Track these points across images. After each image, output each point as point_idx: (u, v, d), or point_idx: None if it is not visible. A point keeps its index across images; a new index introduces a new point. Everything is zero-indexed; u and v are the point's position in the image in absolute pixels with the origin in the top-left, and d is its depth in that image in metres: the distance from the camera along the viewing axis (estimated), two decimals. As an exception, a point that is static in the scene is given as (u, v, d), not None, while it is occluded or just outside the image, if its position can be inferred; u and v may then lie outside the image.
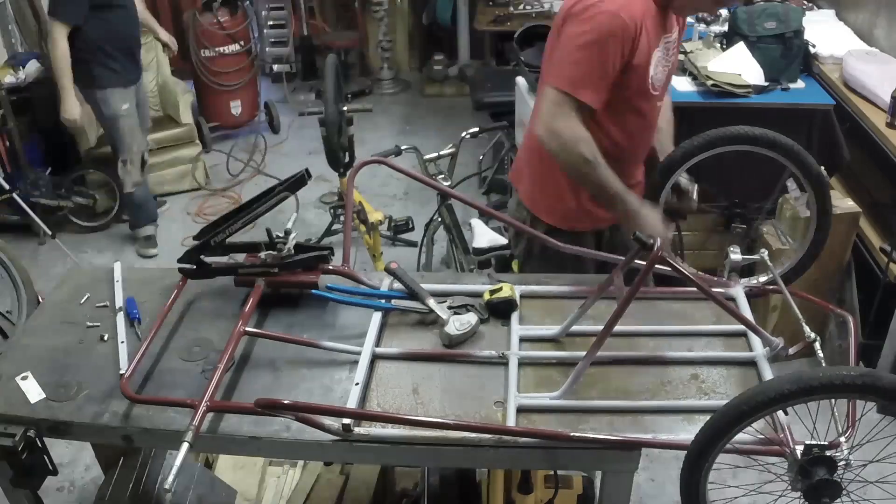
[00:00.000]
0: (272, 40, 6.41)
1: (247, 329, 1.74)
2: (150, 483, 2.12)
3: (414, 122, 5.84)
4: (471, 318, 1.80)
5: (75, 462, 2.86)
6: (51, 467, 1.65)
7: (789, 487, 1.43)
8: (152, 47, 4.95)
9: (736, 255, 1.87)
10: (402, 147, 3.32)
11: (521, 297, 1.91)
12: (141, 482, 2.10)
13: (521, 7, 5.48)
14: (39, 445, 1.61)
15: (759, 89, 3.25)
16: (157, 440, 1.64)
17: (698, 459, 1.40)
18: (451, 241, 3.34)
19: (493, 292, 1.87)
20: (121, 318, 1.87)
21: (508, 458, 1.56)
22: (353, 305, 1.88)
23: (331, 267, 1.91)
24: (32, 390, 1.66)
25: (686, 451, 1.42)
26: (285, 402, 1.48)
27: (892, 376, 1.31)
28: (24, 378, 1.69)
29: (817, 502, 1.39)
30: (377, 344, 1.77)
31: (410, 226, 3.58)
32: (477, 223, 3.02)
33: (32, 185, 4.27)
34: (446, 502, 2.18)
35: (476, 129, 3.31)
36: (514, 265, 2.49)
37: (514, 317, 1.85)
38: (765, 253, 1.92)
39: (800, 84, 3.36)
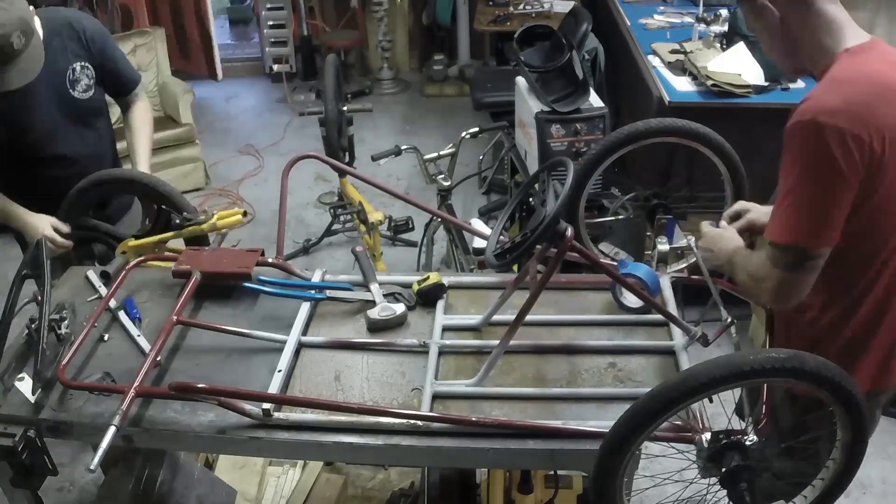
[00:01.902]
0: (272, 40, 6.42)
1: (180, 319, 1.79)
2: (150, 483, 2.12)
3: (414, 122, 5.84)
4: (395, 307, 1.86)
5: (75, 462, 2.86)
6: (51, 467, 1.65)
7: (699, 476, 1.42)
8: (152, 47, 4.95)
9: (663, 245, 1.91)
10: (402, 147, 3.32)
11: (449, 287, 1.96)
12: (141, 482, 2.10)
13: (521, 7, 5.48)
14: (39, 445, 1.61)
15: (759, 89, 3.25)
16: (155, 440, 1.65)
17: (620, 447, 1.36)
18: (451, 241, 3.34)
19: (421, 282, 1.94)
20: (124, 318, 1.89)
21: (498, 457, 1.57)
22: (282, 296, 1.92)
23: (269, 260, 1.99)
24: (30, 391, 1.66)
25: (603, 440, 1.39)
26: (200, 385, 1.53)
27: (818, 358, 1.31)
28: (21, 380, 1.69)
29: (734, 488, 1.38)
30: (304, 333, 1.84)
31: (410, 226, 3.58)
32: (477, 223, 3.01)
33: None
34: (446, 502, 2.18)
35: (476, 129, 3.31)
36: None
37: (440, 306, 1.90)
38: (692, 240, 1.95)
39: (800, 84, 3.36)
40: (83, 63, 2.28)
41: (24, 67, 2.04)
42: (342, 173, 3.47)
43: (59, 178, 2.30)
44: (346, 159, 3.45)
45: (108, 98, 2.45)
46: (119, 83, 2.43)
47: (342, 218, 4.10)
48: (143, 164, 2.39)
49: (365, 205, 3.41)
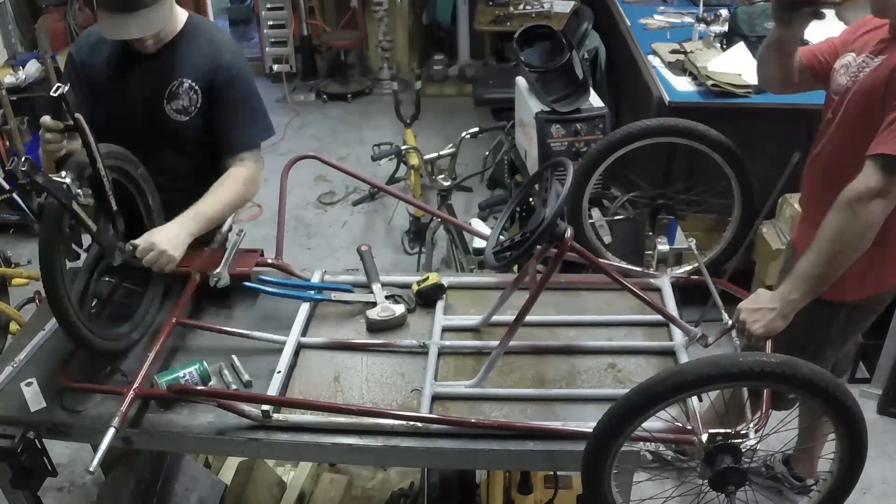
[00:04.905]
0: (272, 40, 6.42)
1: (179, 319, 1.79)
2: (150, 483, 2.12)
3: (414, 122, 5.83)
4: (395, 307, 1.86)
5: (75, 462, 2.86)
6: (50, 468, 1.66)
7: (697, 476, 1.43)
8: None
9: (663, 245, 1.91)
10: (402, 147, 3.33)
11: (449, 287, 1.96)
12: (141, 483, 2.10)
13: (521, 7, 5.47)
14: (39, 447, 1.61)
15: (759, 89, 3.24)
16: (157, 442, 1.65)
17: (607, 440, 1.36)
18: (451, 242, 3.34)
19: (420, 282, 1.93)
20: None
21: (497, 458, 1.57)
22: (282, 297, 1.92)
23: (269, 260, 1.98)
24: (35, 398, 1.66)
25: (591, 433, 1.39)
26: (199, 387, 1.53)
27: (811, 366, 1.31)
28: (29, 384, 1.69)
29: (722, 490, 1.39)
30: (303, 334, 1.83)
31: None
32: (477, 223, 3.01)
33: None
34: (446, 503, 2.18)
35: (476, 129, 3.31)
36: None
37: (440, 306, 1.90)
38: (692, 242, 1.94)
39: (800, 84, 3.36)
40: (193, 84, 1.98)
41: (143, 22, 1.82)
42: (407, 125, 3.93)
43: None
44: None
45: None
46: (225, 136, 2.03)
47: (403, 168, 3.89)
48: (182, 218, 1.88)
49: (411, 151, 3.44)
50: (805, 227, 2.01)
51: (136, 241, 1.77)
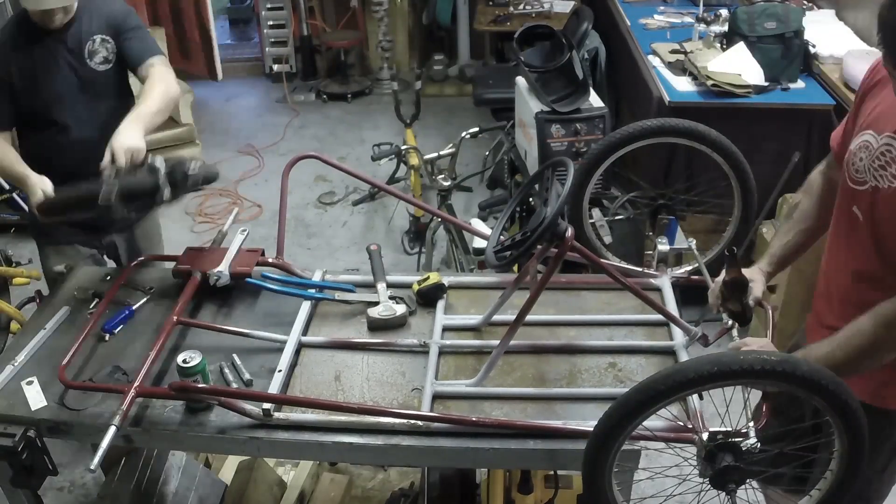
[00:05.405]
0: (272, 40, 6.42)
1: (180, 319, 1.79)
2: (150, 483, 2.12)
3: (414, 122, 5.83)
4: (396, 307, 1.87)
5: (75, 462, 2.86)
6: (51, 467, 1.66)
7: (697, 473, 1.42)
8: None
9: (663, 245, 1.91)
10: (402, 147, 3.33)
11: (449, 287, 1.96)
12: (141, 483, 2.10)
13: (521, 7, 5.47)
14: (39, 445, 1.61)
15: (759, 89, 3.24)
16: (158, 440, 1.65)
17: (607, 438, 1.35)
18: (451, 242, 3.34)
19: (421, 282, 1.93)
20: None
21: (498, 457, 1.57)
22: (284, 294, 1.93)
23: (270, 260, 2.00)
24: (36, 397, 1.66)
25: (592, 431, 1.38)
26: (200, 385, 1.53)
27: (812, 364, 1.30)
28: (30, 383, 1.69)
29: (723, 488, 1.38)
30: (304, 333, 1.84)
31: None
32: (477, 223, 3.01)
33: (32, 185, 4.25)
34: (446, 502, 2.18)
35: (476, 129, 3.31)
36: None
37: (440, 306, 1.90)
38: (692, 242, 1.94)
39: (800, 84, 3.36)
40: (104, 36, 2.33)
41: None
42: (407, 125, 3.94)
43: (63, 144, 2.33)
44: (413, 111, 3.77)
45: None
46: (132, 55, 2.38)
47: (403, 168, 3.93)
48: (128, 119, 2.14)
49: (411, 152, 3.44)
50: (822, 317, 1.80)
51: (110, 155, 2.00)
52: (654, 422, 1.40)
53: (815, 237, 1.79)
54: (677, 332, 1.77)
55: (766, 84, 3.27)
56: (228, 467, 2.52)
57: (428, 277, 1.94)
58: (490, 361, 1.65)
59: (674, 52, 3.55)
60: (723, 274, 1.69)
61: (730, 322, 1.68)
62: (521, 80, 3.14)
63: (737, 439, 1.37)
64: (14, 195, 4.04)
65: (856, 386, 1.44)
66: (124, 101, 2.43)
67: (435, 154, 3.21)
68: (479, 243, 2.86)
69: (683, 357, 1.71)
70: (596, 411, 1.58)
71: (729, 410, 1.42)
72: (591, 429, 1.47)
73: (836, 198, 1.67)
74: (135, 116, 2.15)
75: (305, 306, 1.90)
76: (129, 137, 2.04)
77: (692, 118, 1.96)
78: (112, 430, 1.48)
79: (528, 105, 2.97)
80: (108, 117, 2.29)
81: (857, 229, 1.60)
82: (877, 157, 1.53)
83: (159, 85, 2.30)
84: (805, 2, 4.05)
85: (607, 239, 2.38)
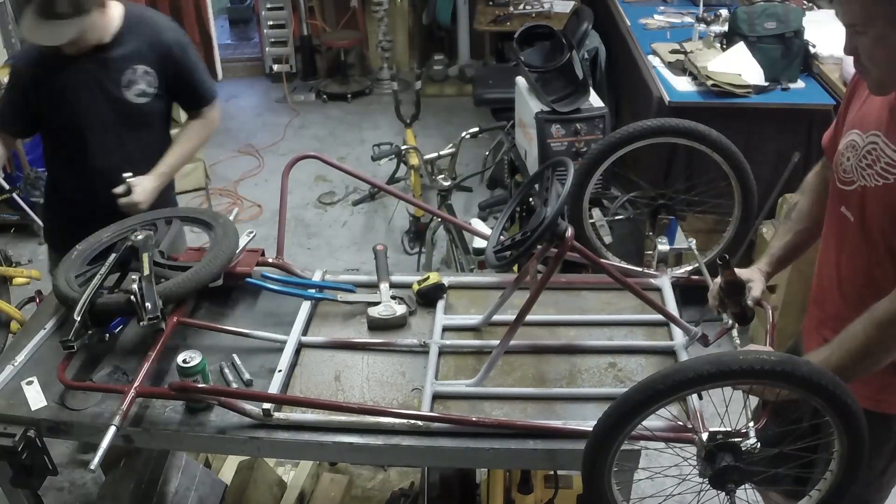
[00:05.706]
0: (272, 40, 6.42)
1: (180, 319, 1.79)
2: (150, 483, 2.12)
3: (414, 122, 5.83)
4: (397, 307, 1.86)
5: (75, 462, 2.86)
6: (51, 467, 1.65)
7: (697, 473, 1.42)
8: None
9: (663, 245, 1.91)
10: (402, 147, 3.33)
11: (449, 287, 1.96)
12: (142, 483, 2.10)
13: (521, 7, 5.48)
14: (39, 445, 1.61)
15: (759, 89, 3.25)
16: (158, 440, 1.65)
17: (606, 438, 1.35)
18: (451, 241, 3.34)
19: (421, 282, 1.93)
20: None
21: (498, 457, 1.57)
22: (284, 294, 1.93)
23: (270, 260, 1.99)
24: (36, 397, 1.66)
25: (591, 431, 1.38)
26: (200, 385, 1.53)
27: (812, 365, 1.30)
28: (30, 383, 1.69)
29: (722, 488, 1.38)
30: (304, 333, 1.84)
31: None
32: (477, 223, 3.02)
33: (32, 185, 4.27)
34: (446, 502, 2.18)
35: (476, 129, 3.31)
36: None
37: (440, 306, 1.90)
38: (692, 242, 1.94)
39: (800, 84, 3.36)
40: (147, 68, 2.19)
41: (62, 31, 2.01)
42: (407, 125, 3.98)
43: (83, 169, 2.26)
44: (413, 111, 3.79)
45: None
46: (193, 98, 2.36)
47: (403, 168, 3.95)
48: (161, 165, 2.24)
49: (411, 152, 3.46)
50: (817, 324, 1.79)
51: (123, 189, 2.11)
52: (653, 422, 1.40)
53: (813, 237, 1.80)
54: (677, 332, 1.77)
55: (766, 84, 3.27)
56: (228, 467, 2.52)
57: (428, 277, 1.94)
58: (490, 361, 1.65)
59: (674, 52, 3.56)
60: (718, 277, 1.70)
61: (730, 322, 1.68)
62: (521, 80, 3.14)
63: (736, 439, 1.37)
64: (14, 195, 4.05)
65: (854, 391, 1.41)
66: (159, 136, 2.33)
67: (435, 154, 3.22)
68: (479, 243, 2.87)
69: (683, 357, 1.71)
70: (596, 411, 1.57)
71: (729, 410, 1.42)
72: (591, 429, 1.47)
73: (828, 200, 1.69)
74: (164, 171, 2.24)
75: (305, 306, 1.90)
76: (142, 194, 2.15)
77: (692, 118, 1.96)
78: (112, 430, 1.48)
79: (528, 105, 2.97)
80: (137, 151, 2.24)
81: (849, 231, 1.61)
82: (863, 155, 1.52)
83: (203, 131, 2.36)
84: (805, 2, 4.05)
85: (607, 239, 2.38)
